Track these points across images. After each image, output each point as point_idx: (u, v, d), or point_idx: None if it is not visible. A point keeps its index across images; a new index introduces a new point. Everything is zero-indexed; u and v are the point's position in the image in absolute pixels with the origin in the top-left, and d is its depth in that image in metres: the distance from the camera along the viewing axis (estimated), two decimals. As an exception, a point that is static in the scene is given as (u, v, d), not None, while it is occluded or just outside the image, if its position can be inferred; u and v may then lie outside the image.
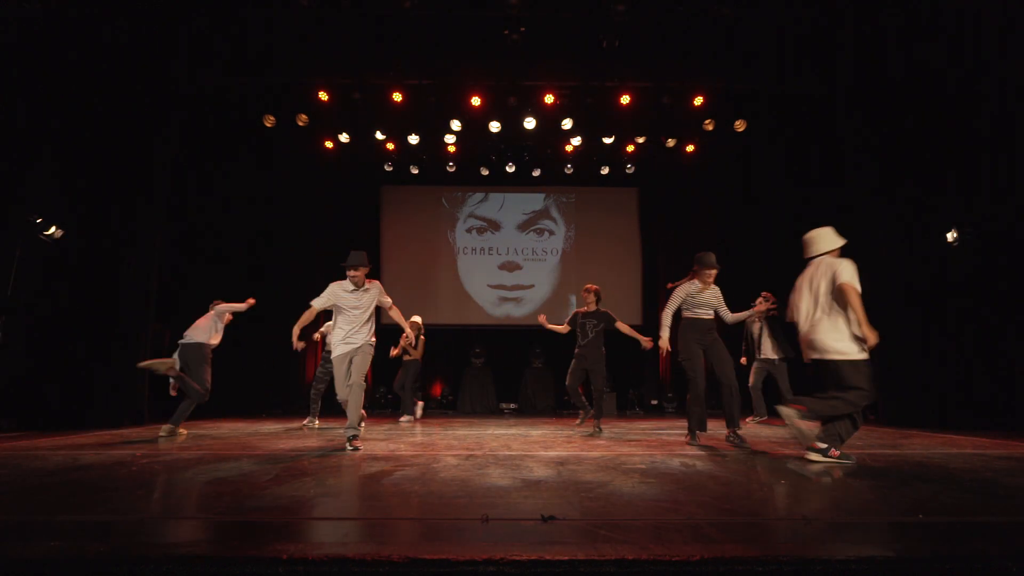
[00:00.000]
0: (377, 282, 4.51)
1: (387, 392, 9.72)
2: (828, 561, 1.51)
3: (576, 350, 5.88)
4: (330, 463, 3.43)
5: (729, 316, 4.70)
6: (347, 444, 4.11)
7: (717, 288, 4.65)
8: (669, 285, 4.76)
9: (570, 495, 2.42)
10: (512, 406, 9.61)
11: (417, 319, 7.31)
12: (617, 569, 1.48)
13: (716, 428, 5.59)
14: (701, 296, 4.53)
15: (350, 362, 4.29)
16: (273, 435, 5.33)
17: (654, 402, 9.85)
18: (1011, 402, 5.76)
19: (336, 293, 4.37)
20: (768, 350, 6.62)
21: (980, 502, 2.32)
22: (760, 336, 6.72)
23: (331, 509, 2.27)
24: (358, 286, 4.36)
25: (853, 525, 2.01)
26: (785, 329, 6.19)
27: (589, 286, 5.88)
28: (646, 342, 5.43)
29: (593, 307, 5.82)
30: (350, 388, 4.24)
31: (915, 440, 4.76)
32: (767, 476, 2.95)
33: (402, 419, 7.36)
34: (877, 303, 6.19)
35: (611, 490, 2.55)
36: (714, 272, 4.55)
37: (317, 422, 6.43)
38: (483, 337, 10.13)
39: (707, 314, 4.56)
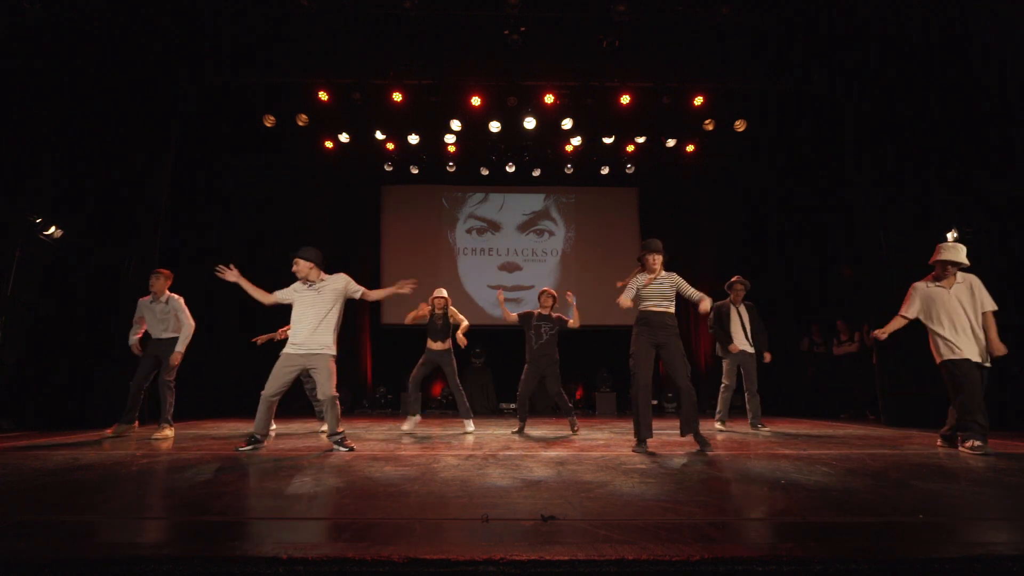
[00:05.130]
0: (342, 275, 4.26)
1: (387, 392, 9.72)
2: (828, 561, 1.51)
3: (528, 355, 5.81)
4: (330, 463, 3.43)
5: (696, 297, 4.14)
6: (336, 447, 4.09)
7: (672, 275, 4.20)
8: (619, 284, 4.31)
9: (570, 495, 2.42)
10: (512, 406, 9.59)
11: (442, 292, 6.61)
12: (617, 569, 1.48)
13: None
14: (648, 287, 4.15)
15: (304, 371, 4.13)
16: (272, 435, 5.32)
17: (654, 402, 9.84)
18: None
19: (295, 287, 4.29)
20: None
21: (981, 502, 2.32)
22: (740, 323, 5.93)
23: (331, 509, 2.27)
24: (307, 281, 4.19)
25: (853, 525, 2.01)
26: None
27: (551, 291, 5.93)
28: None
29: (548, 311, 5.86)
30: (322, 403, 4.14)
31: (915, 440, 4.76)
32: (767, 476, 2.95)
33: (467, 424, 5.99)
34: (881, 301, 6.22)
35: (611, 490, 2.54)
36: (655, 256, 4.15)
37: (274, 425, 5.83)
38: (483, 337, 10.12)
39: (657, 306, 4.12)
